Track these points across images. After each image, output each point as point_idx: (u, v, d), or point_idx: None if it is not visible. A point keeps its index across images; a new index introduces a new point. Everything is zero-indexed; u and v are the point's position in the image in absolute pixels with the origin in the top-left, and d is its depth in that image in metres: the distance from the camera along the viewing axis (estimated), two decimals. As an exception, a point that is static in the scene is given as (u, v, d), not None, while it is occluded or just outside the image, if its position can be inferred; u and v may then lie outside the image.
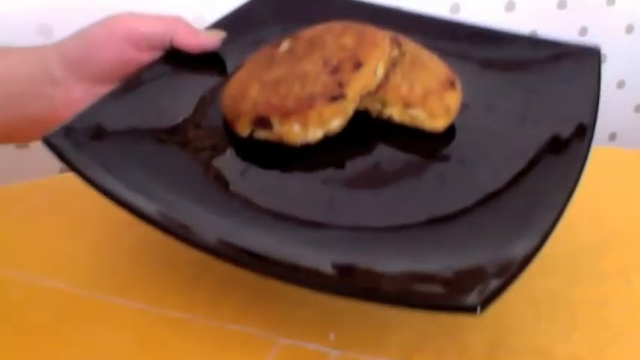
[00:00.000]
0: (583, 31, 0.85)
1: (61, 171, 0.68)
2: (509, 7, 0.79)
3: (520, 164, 0.33)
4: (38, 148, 0.71)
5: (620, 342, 0.30)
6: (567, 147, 0.33)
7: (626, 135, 0.94)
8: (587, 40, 0.85)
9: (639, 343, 0.30)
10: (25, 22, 0.61)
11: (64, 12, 0.62)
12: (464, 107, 0.37)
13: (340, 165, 0.35)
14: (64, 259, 0.36)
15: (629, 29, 0.87)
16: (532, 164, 0.33)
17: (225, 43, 0.41)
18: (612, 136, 0.94)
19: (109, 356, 0.29)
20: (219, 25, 0.43)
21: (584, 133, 0.33)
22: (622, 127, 0.94)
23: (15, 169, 0.65)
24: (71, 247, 0.37)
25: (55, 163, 0.75)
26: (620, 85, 0.91)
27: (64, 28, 0.62)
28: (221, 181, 0.33)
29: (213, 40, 0.41)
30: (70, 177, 0.52)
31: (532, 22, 0.82)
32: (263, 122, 0.35)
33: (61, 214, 0.40)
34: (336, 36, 0.37)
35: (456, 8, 0.77)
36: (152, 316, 0.32)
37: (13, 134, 0.40)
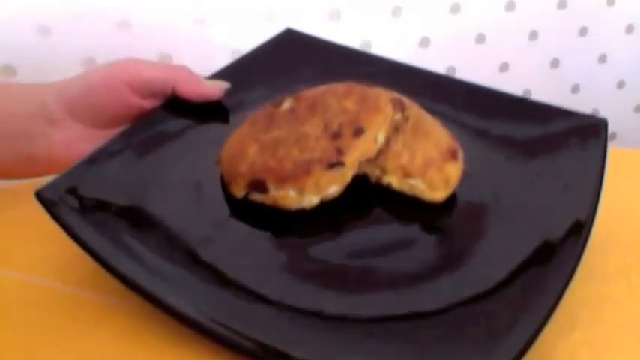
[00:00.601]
0: (583, 31, 0.85)
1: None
2: (510, 7, 0.79)
3: (511, 261, 0.32)
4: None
5: (620, 342, 0.30)
6: (561, 247, 0.32)
7: (626, 135, 0.94)
8: (588, 39, 0.85)
9: (639, 343, 0.30)
10: (24, 22, 0.61)
11: (63, 13, 0.62)
12: (466, 177, 0.36)
13: (336, 232, 0.34)
14: (63, 260, 0.36)
15: (629, 29, 0.87)
16: (524, 264, 0.31)
17: (228, 93, 0.41)
18: (612, 136, 0.94)
19: (107, 356, 0.29)
20: (222, 74, 0.43)
21: (579, 232, 0.32)
22: (622, 127, 0.94)
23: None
24: (70, 247, 0.37)
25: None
26: (620, 85, 0.91)
27: (63, 29, 0.62)
28: (207, 247, 0.32)
29: (217, 89, 0.40)
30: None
31: (532, 22, 0.82)
32: (259, 186, 0.34)
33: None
34: (338, 98, 0.36)
35: (456, 8, 0.77)
36: (151, 316, 0.32)
37: (9, 171, 0.40)
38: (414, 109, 0.38)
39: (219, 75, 0.43)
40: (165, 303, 0.28)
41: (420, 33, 0.77)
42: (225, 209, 0.35)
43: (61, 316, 0.32)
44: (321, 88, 0.38)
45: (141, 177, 0.35)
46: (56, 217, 0.31)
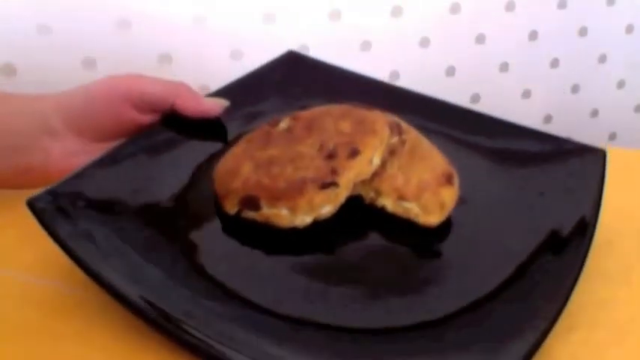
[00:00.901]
0: (583, 31, 0.85)
1: (61, 171, 0.68)
2: (510, 7, 0.79)
3: (512, 269, 0.32)
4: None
5: (621, 342, 0.30)
6: (563, 254, 0.32)
7: (626, 135, 0.94)
8: (588, 39, 0.85)
9: (639, 344, 0.30)
10: (25, 21, 0.61)
11: (63, 12, 0.62)
12: (462, 201, 0.36)
13: (329, 252, 0.34)
14: (63, 260, 0.36)
15: (629, 29, 0.87)
16: (525, 269, 0.32)
17: (227, 112, 0.41)
18: (612, 136, 0.94)
19: (107, 356, 0.29)
20: (222, 92, 0.43)
21: (583, 233, 0.32)
22: (622, 127, 0.94)
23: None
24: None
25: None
26: (620, 85, 0.91)
27: (63, 28, 0.62)
28: (197, 262, 0.32)
29: (216, 107, 0.40)
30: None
31: (532, 22, 0.82)
32: (251, 203, 0.34)
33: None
34: (335, 119, 0.36)
35: (456, 8, 0.77)
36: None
37: (6, 182, 0.39)
38: (412, 133, 0.38)
39: (219, 93, 0.43)
40: (150, 316, 0.28)
41: (420, 33, 0.77)
42: (217, 225, 0.35)
43: (61, 316, 0.32)
44: (318, 109, 0.38)
45: (133, 190, 0.35)
46: (46, 226, 0.31)
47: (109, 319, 0.31)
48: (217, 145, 0.39)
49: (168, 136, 0.39)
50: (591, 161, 0.37)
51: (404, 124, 0.38)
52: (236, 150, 0.37)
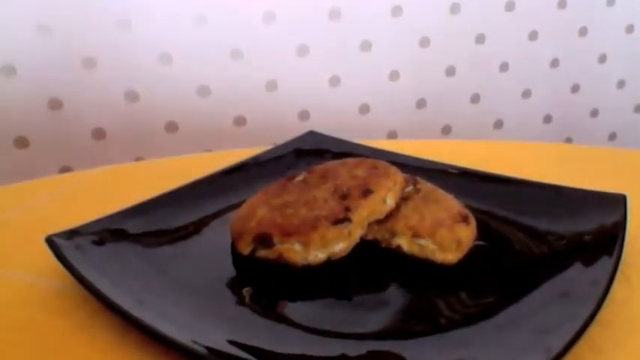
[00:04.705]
0: (583, 31, 0.85)
1: (61, 170, 0.68)
2: (509, 7, 0.80)
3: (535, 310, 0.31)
4: (38, 148, 0.71)
5: (620, 342, 0.31)
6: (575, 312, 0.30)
7: (626, 135, 0.95)
8: (588, 39, 0.86)
9: (639, 343, 0.31)
10: (25, 21, 0.61)
11: (63, 12, 0.62)
12: (481, 246, 0.35)
13: (344, 296, 0.33)
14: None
15: (629, 29, 0.87)
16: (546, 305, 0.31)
17: (243, 181, 0.43)
18: (612, 136, 0.94)
19: (107, 356, 0.29)
20: (237, 167, 0.44)
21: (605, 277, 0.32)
22: (622, 127, 0.94)
23: (15, 169, 0.65)
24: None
25: (55, 162, 0.74)
26: (620, 85, 0.91)
27: (63, 28, 0.62)
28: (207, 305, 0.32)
29: None
30: (70, 177, 0.52)
31: (532, 22, 0.82)
32: (264, 240, 0.34)
33: (61, 214, 0.40)
34: (349, 168, 0.38)
35: (456, 8, 0.77)
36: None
37: None
38: (427, 185, 0.39)
39: (234, 168, 0.43)
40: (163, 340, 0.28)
41: (419, 33, 0.77)
42: (231, 268, 0.35)
43: (61, 316, 0.32)
44: (334, 162, 0.39)
45: (154, 239, 0.37)
46: (61, 259, 0.32)
47: (109, 319, 0.31)
48: (236, 199, 0.41)
49: (188, 198, 0.41)
50: (610, 213, 0.37)
51: (420, 179, 0.39)
52: (252, 200, 0.38)
